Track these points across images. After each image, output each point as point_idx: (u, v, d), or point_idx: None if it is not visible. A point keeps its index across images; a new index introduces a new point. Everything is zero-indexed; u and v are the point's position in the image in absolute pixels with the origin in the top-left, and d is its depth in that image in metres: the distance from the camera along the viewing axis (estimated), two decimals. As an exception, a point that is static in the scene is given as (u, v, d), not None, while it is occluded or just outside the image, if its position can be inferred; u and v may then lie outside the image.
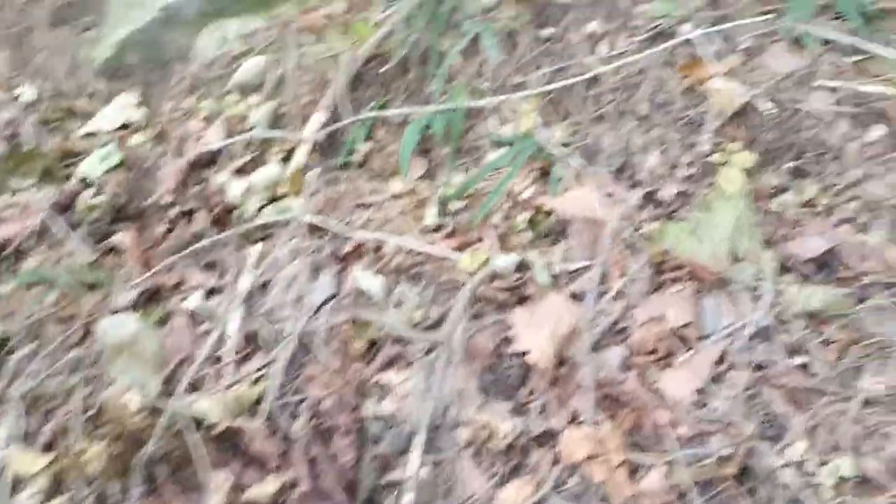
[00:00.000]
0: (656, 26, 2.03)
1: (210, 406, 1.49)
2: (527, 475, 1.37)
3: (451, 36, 2.30)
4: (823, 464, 1.27)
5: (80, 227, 2.05)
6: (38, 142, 2.38)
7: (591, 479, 1.32)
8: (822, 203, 1.69)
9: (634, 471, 1.34)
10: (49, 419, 1.68)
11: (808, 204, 1.72)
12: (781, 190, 1.78)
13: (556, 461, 1.38)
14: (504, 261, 1.62)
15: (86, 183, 2.15)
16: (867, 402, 1.33)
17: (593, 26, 2.09)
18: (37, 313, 1.87)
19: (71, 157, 2.32)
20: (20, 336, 1.84)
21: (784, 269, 1.56)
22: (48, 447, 1.63)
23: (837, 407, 1.33)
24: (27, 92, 2.58)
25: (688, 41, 1.97)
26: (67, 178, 2.22)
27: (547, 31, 2.16)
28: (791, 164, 1.81)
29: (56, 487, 1.57)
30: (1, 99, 2.53)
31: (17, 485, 1.59)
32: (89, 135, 2.39)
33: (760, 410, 1.36)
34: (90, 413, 1.62)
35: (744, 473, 1.30)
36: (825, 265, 1.56)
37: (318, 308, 1.64)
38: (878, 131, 1.75)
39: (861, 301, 1.47)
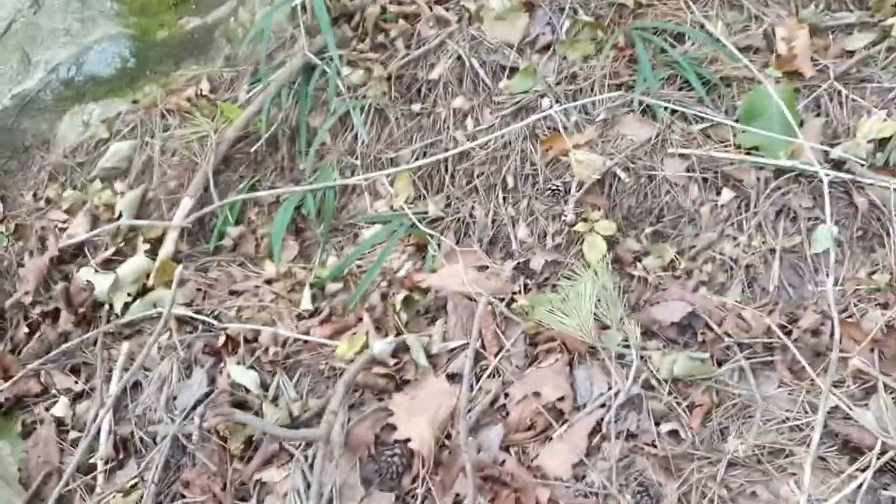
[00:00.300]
0: (518, 101, 2.10)
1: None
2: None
3: (320, 113, 2.32)
4: (697, 530, 1.32)
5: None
6: None
7: (477, 566, 1.32)
8: (681, 267, 1.77)
9: (519, 553, 1.35)
10: None
11: (669, 267, 1.80)
12: (643, 254, 1.85)
13: (441, 551, 1.37)
14: (381, 346, 1.62)
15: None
16: (732, 464, 1.39)
17: (459, 102, 2.15)
18: None
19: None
20: None
21: (650, 333, 1.62)
22: None
23: (706, 471, 1.39)
24: None
25: (548, 116, 2.04)
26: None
27: (416, 107, 2.20)
28: (651, 229, 1.89)
29: None
30: None
31: None
32: (-61, 232, 2.27)
33: (635, 480, 1.40)
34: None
35: (623, 546, 1.33)
36: (687, 327, 1.63)
37: (193, 408, 1.60)
38: (728, 194, 1.85)
39: (721, 364, 1.54)
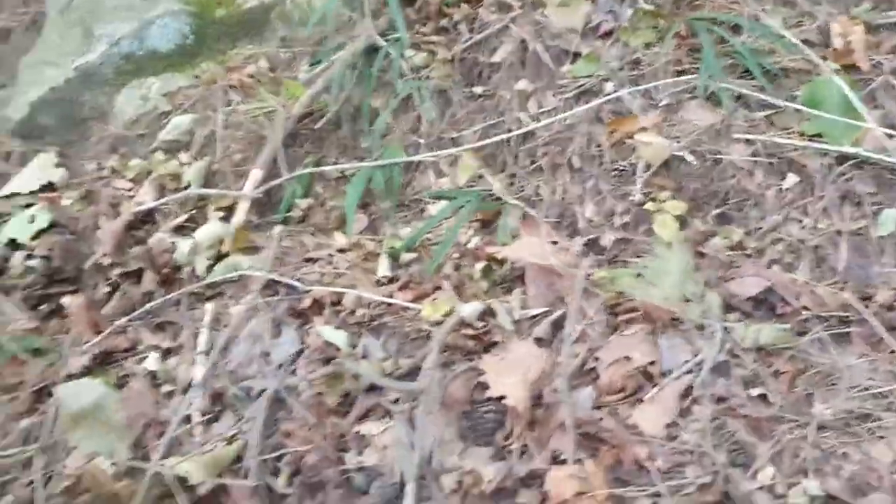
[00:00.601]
0: (581, 85, 2.16)
1: (190, 467, 1.47)
2: (514, 516, 1.42)
3: (382, 95, 2.37)
4: (792, 486, 1.38)
5: (15, 292, 1.97)
6: (-48, 205, 2.28)
7: (580, 516, 1.38)
8: (751, 246, 1.84)
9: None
10: (7, 492, 1.61)
11: (737, 247, 1.86)
12: (710, 235, 1.91)
13: (543, 500, 1.43)
14: (470, 308, 1.68)
15: (15, 245, 2.08)
16: (821, 427, 1.46)
17: (522, 84, 2.21)
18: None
19: (-7, 219, 2.23)
20: (-40, 408, 1.75)
21: (727, 307, 1.69)
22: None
23: (797, 433, 1.45)
24: (-64, 153, 2.47)
25: (613, 99, 2.10)
26: (-9, 241, 2.13)
27: (478, 89, 2.26)
28: (716, 212, 1.95)
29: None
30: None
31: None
32: (9, 196, 2.31)
33: (728, 440, 1.46)
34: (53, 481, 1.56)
35: (721, 499, 1.39)
36: (764, 302, 1.70)
37: (286, 363, 1.65)
38: (792, 179, 1.92)
39: (801, 334, 1.61)
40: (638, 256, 1.87)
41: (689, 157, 1.98)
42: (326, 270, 1.94)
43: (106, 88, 2.63)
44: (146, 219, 2.19)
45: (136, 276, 1.93)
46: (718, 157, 1.99)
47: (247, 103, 2.44)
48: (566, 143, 2.10)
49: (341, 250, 2.04)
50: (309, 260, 2.00)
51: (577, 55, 2.21)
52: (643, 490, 1.40)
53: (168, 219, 2.15)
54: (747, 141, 2.00)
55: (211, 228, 2.00)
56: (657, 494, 1.38)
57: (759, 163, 1.97)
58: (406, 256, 1.97)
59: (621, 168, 2.03)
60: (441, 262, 1.92)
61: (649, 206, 1.91)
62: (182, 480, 1.46)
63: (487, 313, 1.71)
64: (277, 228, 2.08)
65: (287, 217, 2.20)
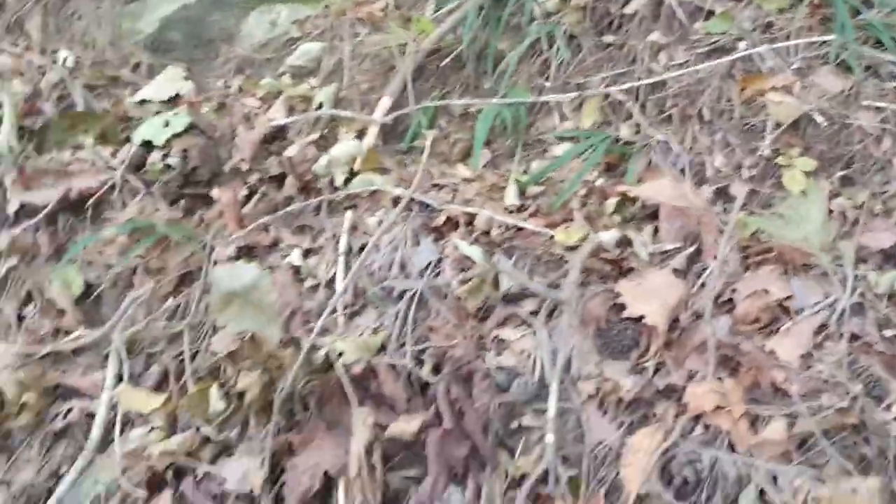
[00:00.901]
0: (714, 42, 2.20)
1: (344, 345, 1.54)
2: (654, 424, 1.48)
3: (509, 38, 2.42)
4: (925, 422, 1.43)
5: (154, 187, 2.06)
6: (87, 105, 2.38)
7: (717, 429, 1.43)
8: (877, 207, 1.87)
9: (756, 422, 1.46)
10: (153, 362, 1.69)
11: (862, 207, 1.89)
12: (835, 195, 1.95)
13: (679, 413, 1.48)
14: (608, 235, 1.73)
15: (151, 147, 2.16)
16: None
17: (655, 36, 2.25)
18: (120, 264, 1.88)
19: (125, 121, 2.32)
20: (106, 285, 1.84)
21: (858, 259, 1.72)
22: (158, 388, 1.64)
23: (931, 374, 1.49)
24: (67, 58, 2.57)
25: (744, 57, 2.14)
26: (126, 140, 2.22)
27: (609, 38, 2.30)
28: (840, 174, 1.98)
29: (171, 426, 1.58)
30: (42, 62, 2.51)
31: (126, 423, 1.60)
32: (142, 102, 2.40)
33: (862, 374, 1.50)
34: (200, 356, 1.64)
35: (856, 427, 1.43)
36: (893, 256, 1.73)
37: (426, 269, 1.71)
38: (920, 148, 1.94)
39: (934, 286, 1.65)
40: (765, 207, 1.91)
41: (819, 119, 2.02)
42: (454, 196, 2.00)
43: (235, 11, 2.71)
44: (277, 135, 2.27)
45: (277, 181, 2.00)
46: (847, 121, 2.02)
47: (375, 35, 2.50)
48: (696, 96, 2.14)
49: (466, 180, 2.09)
50: (436, 185, 2.06)
51: (710, 13, 2.25)
52: (780, 410, 1.44)
53: (300, 136, 2.22)
54: (877, 108, 2.03)
55: (345, 147, 2.07)
56: (794, 415, 1.43)
57: (888, 131, 1.99)
58: (532, 190, 2.02)
59: (751, 124, 2.06)
60: (567, 199, 1.97)
61: (780, 160, 1.95)
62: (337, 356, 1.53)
63: (623, 242, 1.76)
64: (399, 157, 2.15)
65: (412, 147, 2.26)
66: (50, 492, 1.59)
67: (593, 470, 1.44)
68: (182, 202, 2.04)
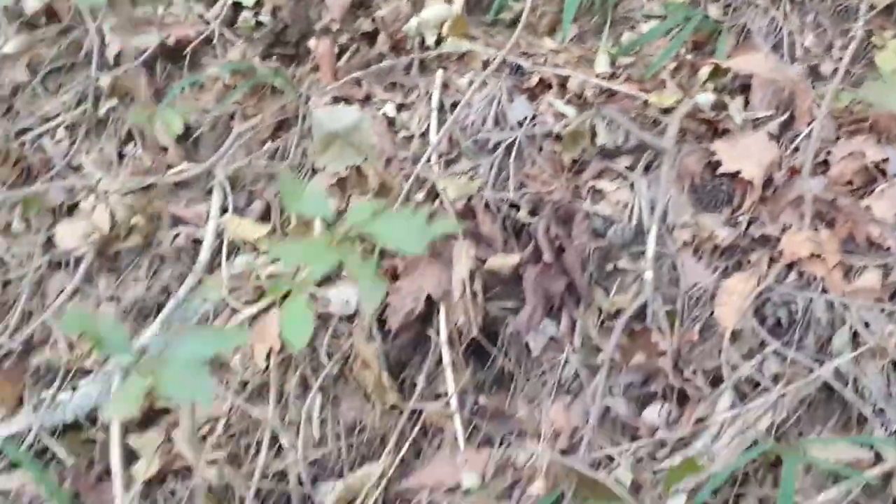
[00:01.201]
0: (809, -76, 2.16)
1: (445, 182, 1.58)
2: (748, 270, 1.51)
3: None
4: None
5: (247, 42, 2.09)
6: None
7: (811, 276, 1.46)
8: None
9: (849, 272, 1.49)
10: (254, 198, 1.74)
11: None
12: (921, 81, 1.93)
13: (774, 260, 1.51)
14: (704, 97, 1.74)
15: (240, 7, 2.18)
16: None
17: (749, -82, 2.21)
18: (218, 109, 1.92)
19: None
20: (205, 128, 1.88)
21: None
22: (262, 219, 1.70)
23: None
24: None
25: (839, -58, 2.11)
26: (226, -1, 2.24)
27: (699, -82, 2.27)
28: (930, 61, 1.97)
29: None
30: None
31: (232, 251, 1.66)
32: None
33: (953, 240, 1.52)
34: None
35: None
36: None
37: (521, 123, 1.74)
38: None
39: None
40: (856, 86, 1.91)
41: (914, 3, 1.99)
42: (545, 61, 2.01)
43: None
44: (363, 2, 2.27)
45: (369, 38, 2.02)
46: (941, 9, 2.00)
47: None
48: (788, -22, 2.11)
49: (554, 51, 2.10)
50: (524, 54, 2.07)
51: None
52: (875, 261, 1.47)
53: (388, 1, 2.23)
54: (976, -5, 2.00)
55: (435, 10, 2.08)
56: (888, 267, 1.45)
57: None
58: (623, 61, 2.03)
59: (843, 6, 2.04)
60: (658, 70, 1.97)
61: (875, 40, 1.93)
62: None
63: (718, 106, 1.77)
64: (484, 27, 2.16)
65: (496, 19, 2.26)
66: (160, 308, 1.65)
67: (688, 309, 1.49)
68: (273, 60, 2.06)
